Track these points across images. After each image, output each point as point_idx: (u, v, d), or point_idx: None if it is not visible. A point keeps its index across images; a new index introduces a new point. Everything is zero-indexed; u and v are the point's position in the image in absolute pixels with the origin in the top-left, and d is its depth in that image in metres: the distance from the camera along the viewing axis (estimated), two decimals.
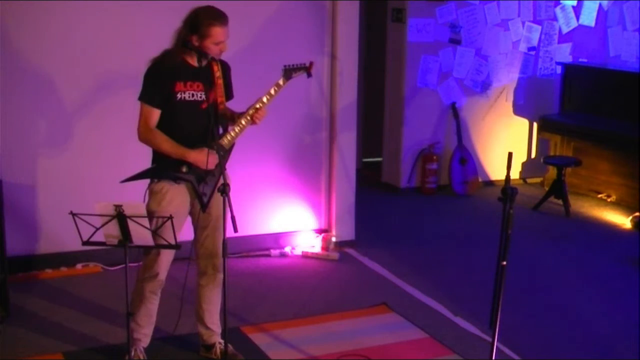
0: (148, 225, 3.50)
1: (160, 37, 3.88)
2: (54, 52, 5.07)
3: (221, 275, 4.00)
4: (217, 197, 3.78)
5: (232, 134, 3.88)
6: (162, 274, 3.91)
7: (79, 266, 5.32)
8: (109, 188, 5.14)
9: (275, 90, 3.88)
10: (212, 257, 3.98)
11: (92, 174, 5.25)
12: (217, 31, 3.67)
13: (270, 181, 5.75)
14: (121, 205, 3.45)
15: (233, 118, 3.91)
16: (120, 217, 3.47)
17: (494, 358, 3.48)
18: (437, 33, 7.36)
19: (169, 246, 3.74)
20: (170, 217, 3.50)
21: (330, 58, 5.75)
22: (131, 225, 3.49)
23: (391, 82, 7.53)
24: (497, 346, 3.47)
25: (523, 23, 7.72)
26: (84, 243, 3.57)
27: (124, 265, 3.62)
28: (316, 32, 5.69)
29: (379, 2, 7.72)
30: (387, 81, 7.59)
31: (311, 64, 3.99)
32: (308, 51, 5.63)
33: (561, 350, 4.40)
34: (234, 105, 4.02)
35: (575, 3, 7.90)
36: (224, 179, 3.60)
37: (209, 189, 3.85)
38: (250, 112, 3.84)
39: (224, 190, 3.52)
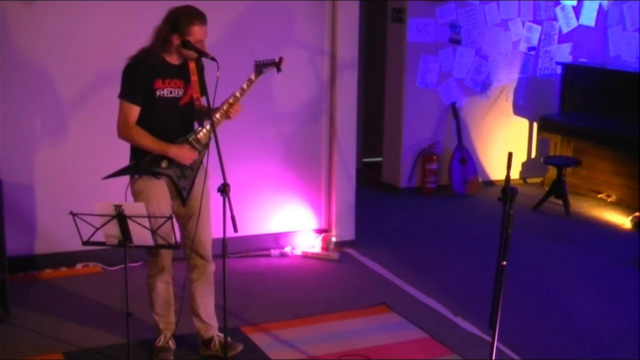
0: (148, 225, 3.51)
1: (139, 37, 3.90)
2: (54, 53, 5.07)
3: (211, 266, 4.10)
4: (196, 189, 3.90)
5: (208, 127, 3.93)
6: (168, 265, 4.02)
7: (79, 266, 5.32)
8: (108, 188, 5.14)
9: (247, 85, 3.95)
10: (198, 249, 4.04)
11: (91, 173, 5.24)
12: (197, 30, 3.76)
13: (270, 181, 5.75)
14: (121, 205, 3.46)
15: (208, 113, 3.95)
16: (120, 217, 3.47)
17: (494, 358, 3.48)
18: (437, 33, 7.36)
19: (169, 246, 3.75)
20: (170, 217, 3.54)
21: (330, 58, 5.75)
22: (131, 225, 3.49)
23: (391, 82, 7.53)
24: (497, 346, 3.47)
25: (523, 23, 7.72)
26: (84, 243, 3.57)
27: (124, 265, 3.63)
28: (316, 32, 5.69)
29: (379, 2, 7.72)
30: (387, 81, 7.59)
31: (281, 59, 4.03)
32: (308, 51, 5.64)
33: (561, 351, 4.40)
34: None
35: (575, 3, 7.90)
36: (224, 178, 3.60)
37: (188, 183, 3.94)
38: (225, 107, 3.91)
39: (224, 190, 3.53)
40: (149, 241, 3.56)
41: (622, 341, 4.54)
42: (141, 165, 3.87)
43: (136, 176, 3.92)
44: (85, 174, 5.24)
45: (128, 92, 3.82)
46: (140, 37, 5.12)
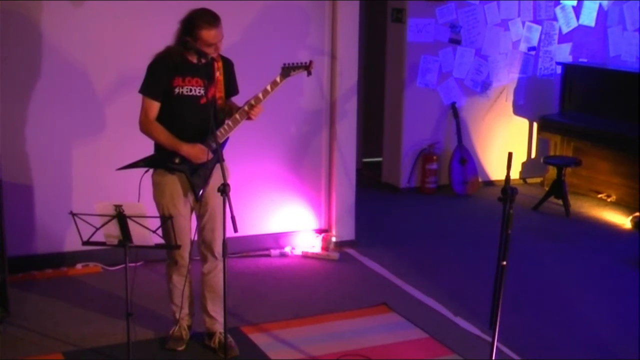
0: (148, 225, 3.51)
1: (163, 36, 3.92)
2: (53, 52, 5.07)
3: (221, 264, 4.09)
4: (212, 189, 3.91)
5: (226, 127, 3.98)
6: (180, 260, 4.07)
7: (79, 266, 5.32)
8: (109, 188, 5.15)
9: (271, 87, 3.99)
10: (210, 246, 4.11)
11: (92, 173, 5.25)
12: (207, 34, 3.80)
13: (270, 181, 5.75)
14: (121, 205, 3.46)
15: (231, 113, 4.02)
16: (120, 217, 3.47)
17: (494, 358, 3.48)
18: (437, 33, 7.35)
19: (168, 246, 3.76)
20: (170, 217, 3.55)
21: (330, 58, 5.75)
22: (131, 225, 3.49)
23: (391, 82, 7.53)
24: (497, 346, 3.47)
25: (523, 23, 7.72)
26: (84, 243, 3.58)
27: (124, 265, 3.63)
28: (316, 32, 5.69)
29: (379, 2, 7.72)
30: (387, 81, 7.59)
31: (311, 62, 4.08)
32: (308, 51, 5.63)
33: (561, 351, 4.40)
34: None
35: (575, 3, 7.90)
36: (225, 178, 3.61)
37: (201, 181, 3.98)
38: (246, 107, 3.95)
39: (224, 190, 3.54)
40: (149, 241, 3.57)
41: (622, 341, 4.54)
42: (156, 159, 3.97)
43: (152, 168, 4.01)
44: (85, 174, 5.24)
45: (148, 88, 3.91)
46: (147, 38, 5.16)
